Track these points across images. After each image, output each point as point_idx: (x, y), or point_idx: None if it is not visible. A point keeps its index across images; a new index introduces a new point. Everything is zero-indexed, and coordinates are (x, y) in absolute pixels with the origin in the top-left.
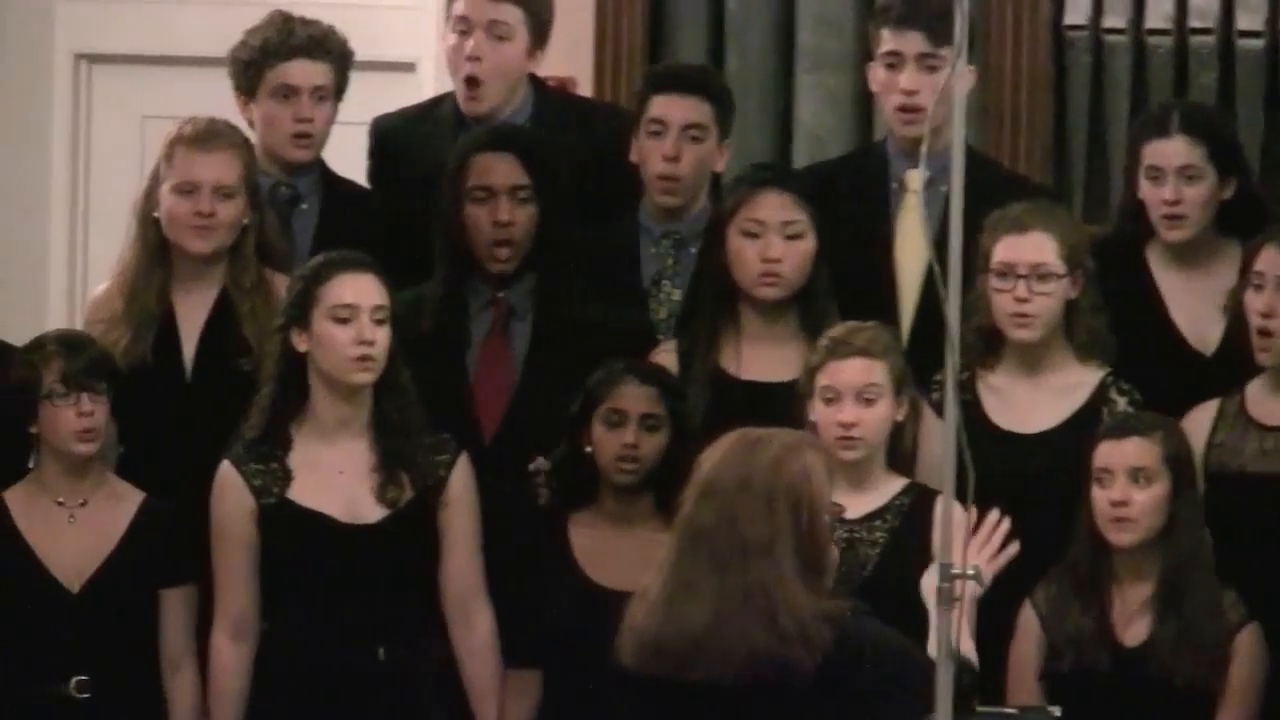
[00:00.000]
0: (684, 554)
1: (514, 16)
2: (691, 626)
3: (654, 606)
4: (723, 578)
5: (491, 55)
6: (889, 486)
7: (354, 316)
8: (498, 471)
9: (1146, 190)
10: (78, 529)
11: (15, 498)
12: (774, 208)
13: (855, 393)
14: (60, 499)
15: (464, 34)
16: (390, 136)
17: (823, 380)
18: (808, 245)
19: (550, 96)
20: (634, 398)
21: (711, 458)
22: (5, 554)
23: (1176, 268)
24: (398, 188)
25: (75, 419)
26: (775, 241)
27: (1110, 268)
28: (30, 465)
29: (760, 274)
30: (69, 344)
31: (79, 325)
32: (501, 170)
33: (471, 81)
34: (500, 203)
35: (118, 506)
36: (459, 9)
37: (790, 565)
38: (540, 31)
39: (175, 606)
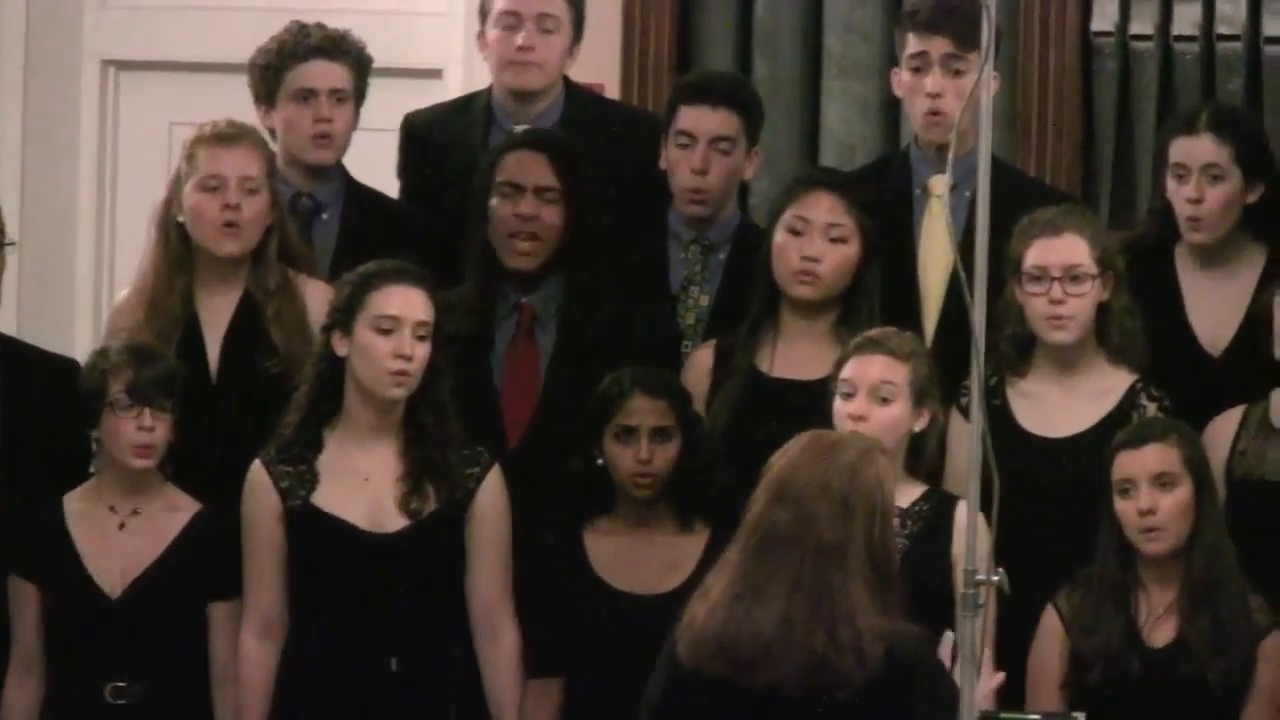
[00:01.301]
0: (753, 555)
1: (561, 9)
2: (760, 630)
3: (716, 606)
4: (795, 581)
5: (542, 47)
6: (908, 492)
7: (396, 329)
8: (523, 477)
9: (1172, 189)
10: (127, 536)
11: (73, 504)
12: (821, 209)
13: (870, 388)
14: (113, 505)
15: (511, 29)
16: (421, 132)
17: (843, 375)
18: (850, 250)
19: (582, 98)
20: (643, 412)
21: (783, 459)
22: (55, 559)
23: (1201, 269)
24: (426, 183)
25: (135, 432)
26: (816, 241)
27: (1139, 267)
28: (91, 470)
29: (796, 271)
30: (140, 355)
31: (104, 333)
32: (531, 168)
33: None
34: (526, 198)
35: (171, 517)
36: (504, 4)
37: (860, 574)
38: (579, 27)
39: (225, 619)
